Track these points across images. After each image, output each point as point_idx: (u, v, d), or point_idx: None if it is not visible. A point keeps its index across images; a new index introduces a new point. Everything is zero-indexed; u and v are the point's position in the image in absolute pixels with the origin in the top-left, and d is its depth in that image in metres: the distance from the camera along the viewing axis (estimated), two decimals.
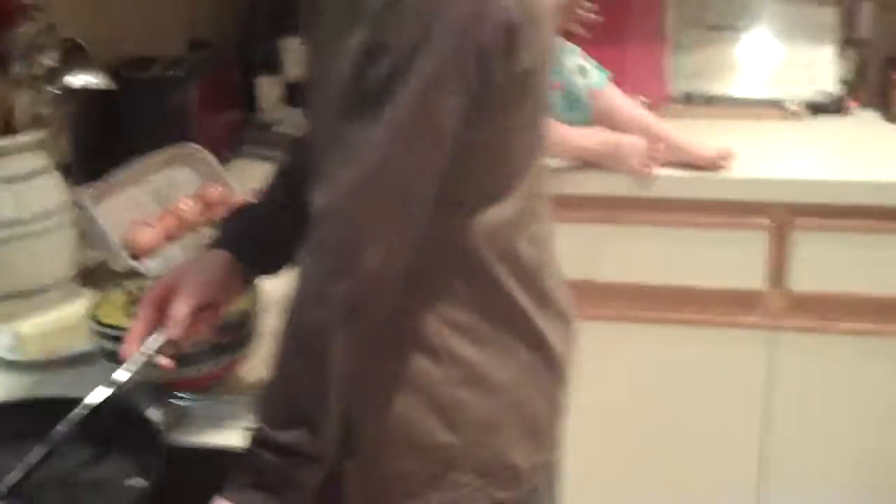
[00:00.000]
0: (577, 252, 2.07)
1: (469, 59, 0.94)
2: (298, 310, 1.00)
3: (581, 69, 2.09)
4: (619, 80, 2.19)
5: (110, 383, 1.10)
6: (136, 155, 1.83)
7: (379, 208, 0.97)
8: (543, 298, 1.15)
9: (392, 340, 1.07)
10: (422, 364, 1.09)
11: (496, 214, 1.07)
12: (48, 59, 1.56)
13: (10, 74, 1.51)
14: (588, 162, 2.07)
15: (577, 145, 2.05)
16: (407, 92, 0.93)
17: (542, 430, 1.18)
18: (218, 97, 2.21)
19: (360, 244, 0.96)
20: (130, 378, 1.11)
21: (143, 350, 1.12)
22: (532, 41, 1.00)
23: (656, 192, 2.05)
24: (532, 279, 1.14)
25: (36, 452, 1.07)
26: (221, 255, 1.19)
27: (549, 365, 1.17)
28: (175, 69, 2.12)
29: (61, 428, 1.08)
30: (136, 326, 1.13)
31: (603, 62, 2.16)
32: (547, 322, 1.16)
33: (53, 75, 1.56)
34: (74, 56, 1.59)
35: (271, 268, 1.23)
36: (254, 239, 1.21)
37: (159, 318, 1.14)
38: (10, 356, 1.42)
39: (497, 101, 1.00)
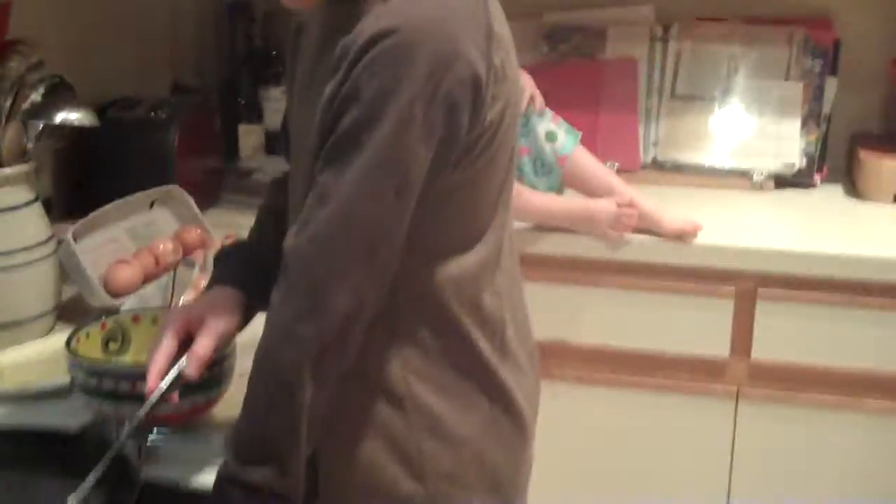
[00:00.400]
0: (546, 312, 2.08)
1: (437, 108, 0.97)
2: (268, 349, 1.02)
3: (550, 135, 2.12)
4: (591, 145, 2.22)
5: (132, 419, 1.10)
6: (118, 193, 1.84)
7: (346, 252, 0.99)
8: (507, 351, 1.18)
9: (358, 385, 1.09)
10: (386, 411, 1.11)
11: (462, 264, 1.10)
12: (35, 95, 1.58)
13: None
14: (558, 226, 2.10)
15: (546, 210, 2.08)
16: (375, 140, 0.96)
17: (504, 483, 1.20)
18: (198, 142, 2.23)
19: (329, 286, 0.99)
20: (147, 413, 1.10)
21: (161, 385, 1.11)
22: (498, 96, 1.04)
23: (625, 255, 2.08)
24: (495, 331, 1.16)
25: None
26: (229, 292, 1.19)
27: (511, 418, 1.19)
28: (158, 111, 2.14)
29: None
30: (158, 361, 1.11)
31: (577, 127, 2.19)
32: (510, 375, 1.18)
33: (39, 111, 1.58)
34: (60, 93, 1.61)
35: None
36: (255, 273, 1.22)
37: (179, 352, 1.13)
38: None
39: (464, 151, 1.03)
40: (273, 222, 1.28)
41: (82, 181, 2.10)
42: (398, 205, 1.00)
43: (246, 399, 1.04)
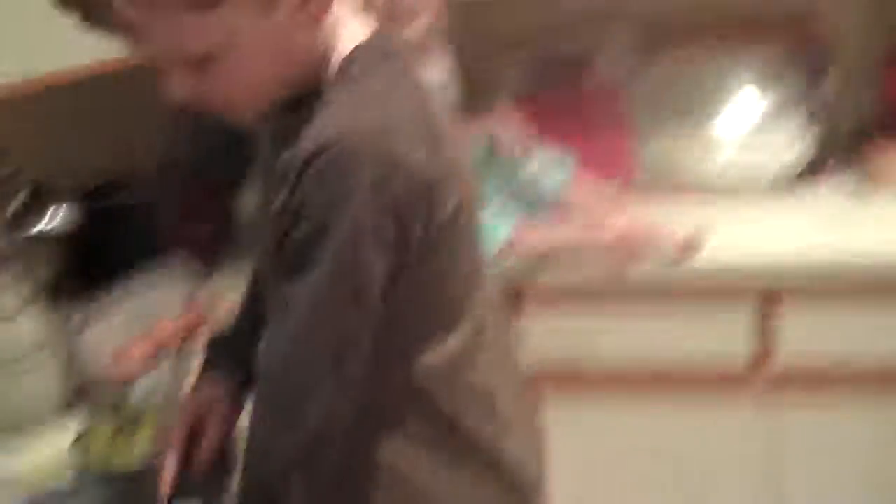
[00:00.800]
0: (567, 336, 2.11)
1: (385, 216, 0.98)
2: (250, 464, 1.05)
3: (536, 176, 2.12)
4: (586, 164, 2.22)
5: None
6: (118, 275, 1.88)
7: (311, 367, 1.01)
8: (499, 420, 1.18)
9: (349, 478, 1.11)
10: (380, 495, 1.12)
11: (441, 353, 1.11)
12: (14, 203, 1.61)
13: None
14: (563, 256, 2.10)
15: (549, 242, 2.07)
16: (327, 253, 0.97)
17: None
18: (192, 215, 2.25)
19: (300, 401, 1.00)
20: None
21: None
22: (451, 192, 1.04)
23: (640, 274, 2.07)
24: (485, 405, 1.16)
25: None
26: (220, 384, 1.28)
27: (516, 489, 1.19)
28: (143, 192, 2.16)
29: None
30: (171, 466, 1.22)
31: (568, 145, 2.19)
32: (505, 442, 1.18)
33: (20, 218, 1.61)
34: (39, 197, 1.64)
35: None
36: (242, 357, 1.26)
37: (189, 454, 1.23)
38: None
39: (422, 250, 1.03)
40: (253, 302, 1.33)
41: (83, 267, 2.12)
42: (359, 313, 1.00)
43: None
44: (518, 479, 1.19)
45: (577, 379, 2.15)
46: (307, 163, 0.96)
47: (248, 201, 2.49)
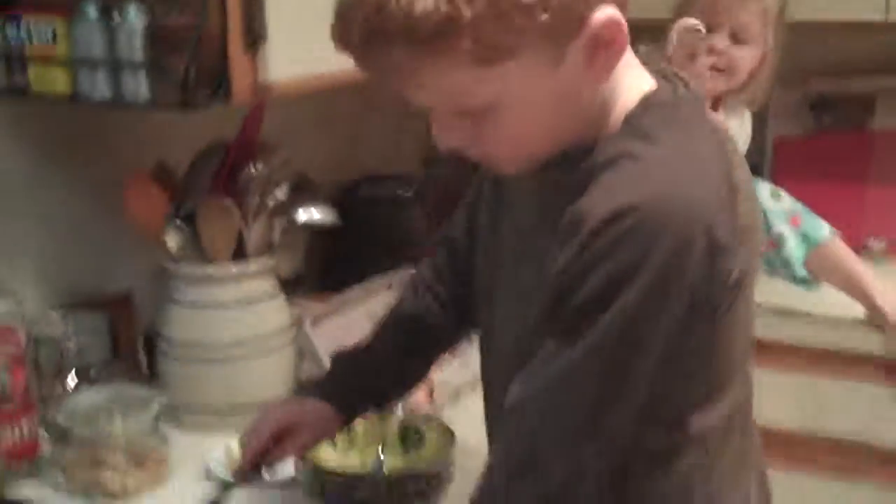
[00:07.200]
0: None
1: (674, 294, 0.93)
2: (484, 499, 1.02)
3: (780, 238, 2.04)
4: (858, 220, 2.11)
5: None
6: (365, 270, 1.93)
7: (567, 422, 0.97)
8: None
9: None
10: None
11: (703, 422, 1.05)
12: (279, 193, 1.66)
13: (245, 206, 1.62)
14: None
15: (875, 302, 2.00)
16: (606, 322, 0.92)
17: None
18: (445, 218, 2.26)
19: (548, 454, 0.97)
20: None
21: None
22: (742, 253, 0.97)
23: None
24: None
25: None
26: (324, 408, 1.32)
27: None
28: (404, 189, 2.20)
29: None
30: (248, 456, 1.30)
31: (841, 199, 2.09)
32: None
33: (283, 208, 1.67)
34: (303, 190, 1.69)
35: (364, 413, 1.38)
36: (357, 391, 1.34)
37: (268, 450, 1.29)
38: (219, 471, 1.50)
39: (705, 316, 0.97)
40: (398, 329, 1.37)
41: (333, 257, 2.19)
42: (626, 381, 0.96)
43: None
44: None
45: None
46: (599, 229, 0.91)
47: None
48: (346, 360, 1.37)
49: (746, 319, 1.06)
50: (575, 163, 0.99)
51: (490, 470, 1.02)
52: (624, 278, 0.91)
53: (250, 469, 1.30)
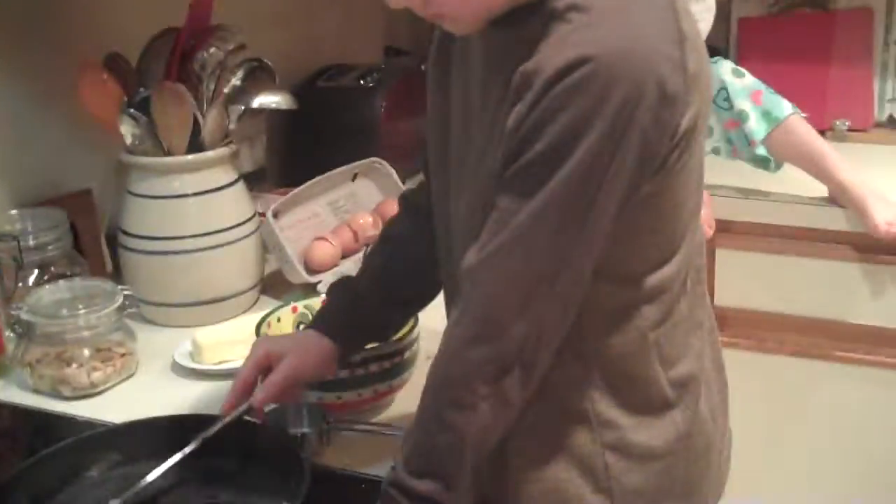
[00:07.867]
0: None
1: (629, 142, 0.92)
2: (440, 367, 1.02)
3: (742, 114, 2.01)
4: (821, 102, 2.10)
5: (199, 440, 1.16)
6: (326, 160, 1.89)
7: (524, 281, 0.96)
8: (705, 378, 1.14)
9: (543, 405, 1.06)
10: (571, 429, 1.08)
11: (659, 278, 1.05)
12: (235, 79, 1.63)
13: (199, 93, 1.59)
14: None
15: (837, 179, 1.99)
16: (561, 175, 0.92)
17: (695, 493, 1.16)
18: (407, 108, 2.24)
19: (505, 315, 0.97)
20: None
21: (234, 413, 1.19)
22: (691, 102, 0.96)
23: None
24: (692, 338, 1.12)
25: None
26: (323, 342, 1.24)
27: (699, 427, 1.14)
28: (366, 78, 2.17)
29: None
30: (238, 388, 1.21)
31: (806, 82, 2.07)
32: (699, 385, 1.14)
33: (239, 95, 1.63)
34: (259, 75, 1.66)
35: (364, 346, 1.29)
36: (355, 326, 1.26)
37: (256, 381, 1.21)
38: (186, 363, 1.49)
39: (658, 166, 0.97)
40: (395, 256, 1.30)
41: (294, 149, 2.16)
42: (582, 236, 0.96)
43: (418, 410, 1.04)
44: (702, 419, 1.14)
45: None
46: (553, 81, 0.91)
47: None
48: (340, 290, 1.30)
49: (697, 178, 1.06)
50: (523, 18, 0.97)
51: (447, 335, 1.02)
52: (580, 127, 0.91)
53: (230, 410, 1.20)
